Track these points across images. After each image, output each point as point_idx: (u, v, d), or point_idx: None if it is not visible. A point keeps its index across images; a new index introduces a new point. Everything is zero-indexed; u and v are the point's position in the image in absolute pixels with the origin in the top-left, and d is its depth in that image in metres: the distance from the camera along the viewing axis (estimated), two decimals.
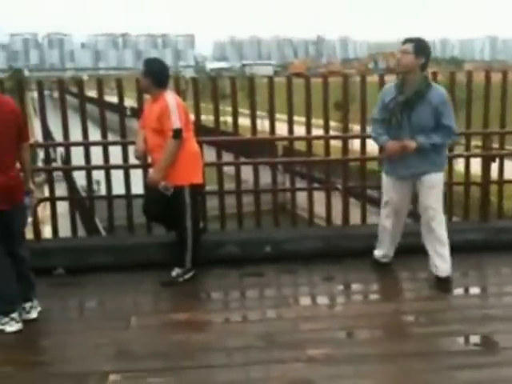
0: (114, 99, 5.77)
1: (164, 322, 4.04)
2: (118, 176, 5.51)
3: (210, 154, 5.64)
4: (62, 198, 5.77)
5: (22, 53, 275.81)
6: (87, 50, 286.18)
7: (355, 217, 5.66)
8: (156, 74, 4.58)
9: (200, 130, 5.18)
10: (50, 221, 5.45)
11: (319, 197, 5.72)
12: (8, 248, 3.96)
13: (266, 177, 5.78)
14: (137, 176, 5.46)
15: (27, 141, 4.15)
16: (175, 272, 4.66)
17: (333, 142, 5.55)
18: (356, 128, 5.72)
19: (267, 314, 4.16)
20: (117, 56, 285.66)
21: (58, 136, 4.77)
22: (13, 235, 4.01)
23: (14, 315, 3.95)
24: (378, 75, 5.43)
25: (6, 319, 3.93)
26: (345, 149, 5.53)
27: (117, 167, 5.43)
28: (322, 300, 4.48)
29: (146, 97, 4.89)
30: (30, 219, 4.37)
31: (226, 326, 4.03)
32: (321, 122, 5.51)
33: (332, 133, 5.83)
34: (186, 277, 4.67)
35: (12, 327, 3.93)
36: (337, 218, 5.58)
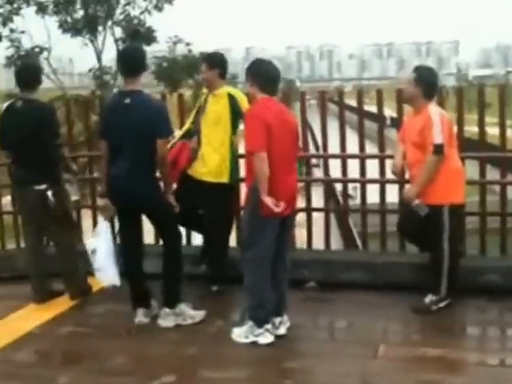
0: (373, 109, 5.64)
1: (414, 356, 3.70)
2: (373, 189, 5.34)
3: (473, 169, 5.18)
4: (317, 209, 5.70)
5: (295, 64, 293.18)
6: (354, 60, 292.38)
7: None
8: (427, 84, 4.28)
9: (463, 142, 4.73)
10: (306, 231, 5.45)
11: None
12: (277, 255, 3.94)
13: None
14: (393, 191, 5.21)
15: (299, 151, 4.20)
16: (428, 299, 4.31)
17: None
18: None
19: None
20: (381, 65, 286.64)
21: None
22: (286, 242, 4.04)
23: (269, 326, 3.89)
24: None
25: (261, 330, 3.87)
26: None
27: (373, 181, 5.27)
28: None
29: (407, 108, 4.67)
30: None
31: (481, 369, 3.56)
32: None
33: None
34: (441, 305, 4.28)
35: (266, 339, 3.85)
36: None
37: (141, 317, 4.35)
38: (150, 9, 14.15)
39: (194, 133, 4.87)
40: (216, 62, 4.83)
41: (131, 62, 4.30)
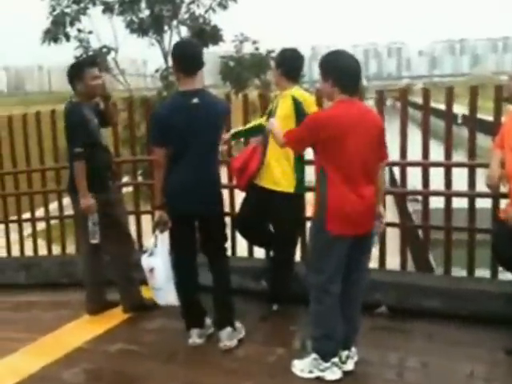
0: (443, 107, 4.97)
1: None
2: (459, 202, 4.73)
3: None
4: (391, 225, 5.06)
5: (363, 63, 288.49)
6: (424, 57, 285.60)
7: None
8: None
9: None
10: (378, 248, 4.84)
11: None
12: (350, 280, 3.49)
13: None
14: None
15: (385, 159, 3.67)
16: None
17: None
18: None
19: None
20: (453, 62, 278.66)
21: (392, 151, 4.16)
22: (361, 267, 3.56)
23: (336, 360, 3.45)
24: None
25: (327, 364, 3.45)
26: None
27: (460, 195, 4.65)
28: None
29: (507, 107, 4.03)
30: (375, 247, 3.83)
31: None
32: None
33: None
34: None
35: (334, 375, 3.44)
36: None
37: (195, 338, 4.08)
38: (215, 7, 13.76)
39: (262, 132, 4.50)
40: (279, 59, 4.45)
41: (192, 58, 3.96)
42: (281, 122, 4.02)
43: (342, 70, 3.39)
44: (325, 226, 3.35)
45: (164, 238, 4.12)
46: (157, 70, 13.30)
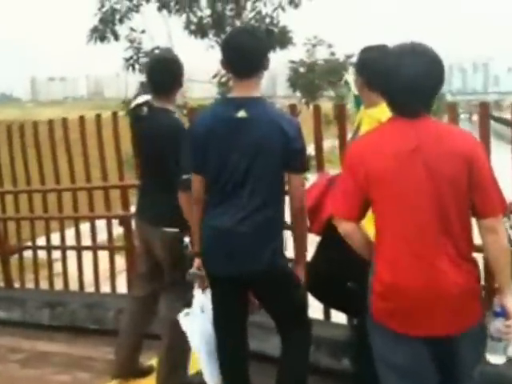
0: None
1: None
2: None
3: None
4: None
5: (446, 78, 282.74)
6: None
7: None
8: None
9: None
10: None
11: None
12: None
13: None
14: None
15: (494, 212, 2.36)
16: None
17: None
18: None
19: None
20: None
21: None
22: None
23: None
24: None
25: None
26: None
27: None
28: None
29: None
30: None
31: None
32: None
33: None
34: None
35: None
36: None
37: None
38: (284, 5, 12.07)
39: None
40: (360, 65, 3.38)
41: (248, 53, 2.98)
42: None
43: (384, 76, 2.43)
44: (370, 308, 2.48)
45: (205, 300, 3.38)
46: (215, 76, 11.68)
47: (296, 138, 3.00)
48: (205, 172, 3.10)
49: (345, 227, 2.54)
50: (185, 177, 3.34)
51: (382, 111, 2.87)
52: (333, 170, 3.78)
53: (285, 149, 2.97)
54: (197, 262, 3.35)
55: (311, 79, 11.45)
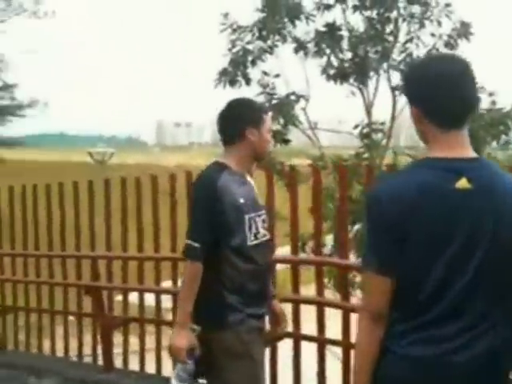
0: None
1: None
2: None
3: None
4: None
5: None
6: None
7: None
8: None
9: None
10: None
11: None
12: None
13: None
14: None
15: None
16: None
17: None
18: None
19: None
20: None
21: None
22: None
23: None
24: None
25: None
26: None
27: None
28: None
29: None
30: None
31: None
32: None
33: None
34: None
35: None
36: None
37: None
38: (439, 47, 10.54)
39: None
40: None
41: (451, 91, 2.05)
42: None
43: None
44: None
45: None
46: (356, 126, 10.16)
47: None
48: (400, 273, 2.08)
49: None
50: (195, 244, 3.08)
51: None
52: None
53: None
54: None
55: (475, 130, 9.66)
